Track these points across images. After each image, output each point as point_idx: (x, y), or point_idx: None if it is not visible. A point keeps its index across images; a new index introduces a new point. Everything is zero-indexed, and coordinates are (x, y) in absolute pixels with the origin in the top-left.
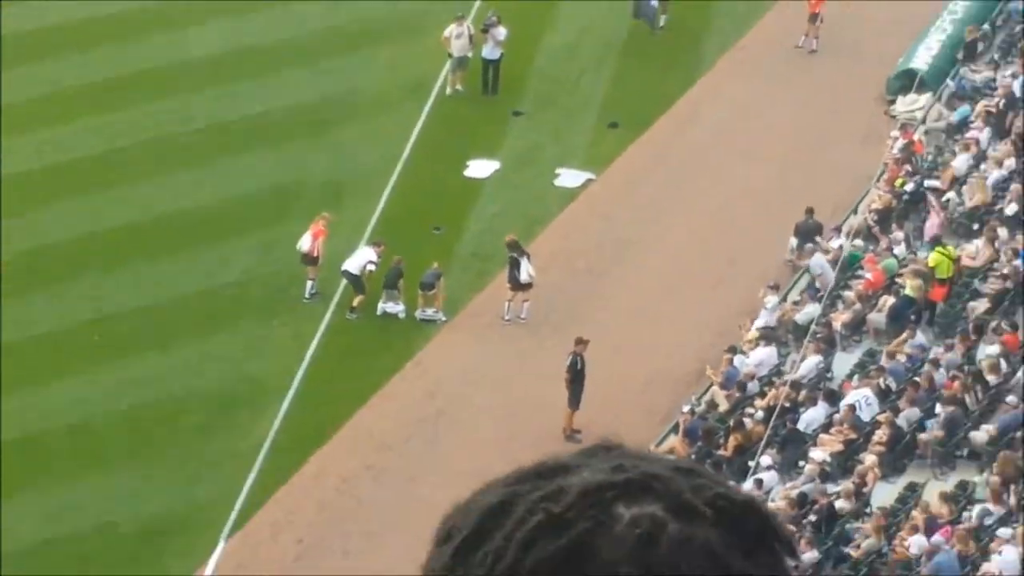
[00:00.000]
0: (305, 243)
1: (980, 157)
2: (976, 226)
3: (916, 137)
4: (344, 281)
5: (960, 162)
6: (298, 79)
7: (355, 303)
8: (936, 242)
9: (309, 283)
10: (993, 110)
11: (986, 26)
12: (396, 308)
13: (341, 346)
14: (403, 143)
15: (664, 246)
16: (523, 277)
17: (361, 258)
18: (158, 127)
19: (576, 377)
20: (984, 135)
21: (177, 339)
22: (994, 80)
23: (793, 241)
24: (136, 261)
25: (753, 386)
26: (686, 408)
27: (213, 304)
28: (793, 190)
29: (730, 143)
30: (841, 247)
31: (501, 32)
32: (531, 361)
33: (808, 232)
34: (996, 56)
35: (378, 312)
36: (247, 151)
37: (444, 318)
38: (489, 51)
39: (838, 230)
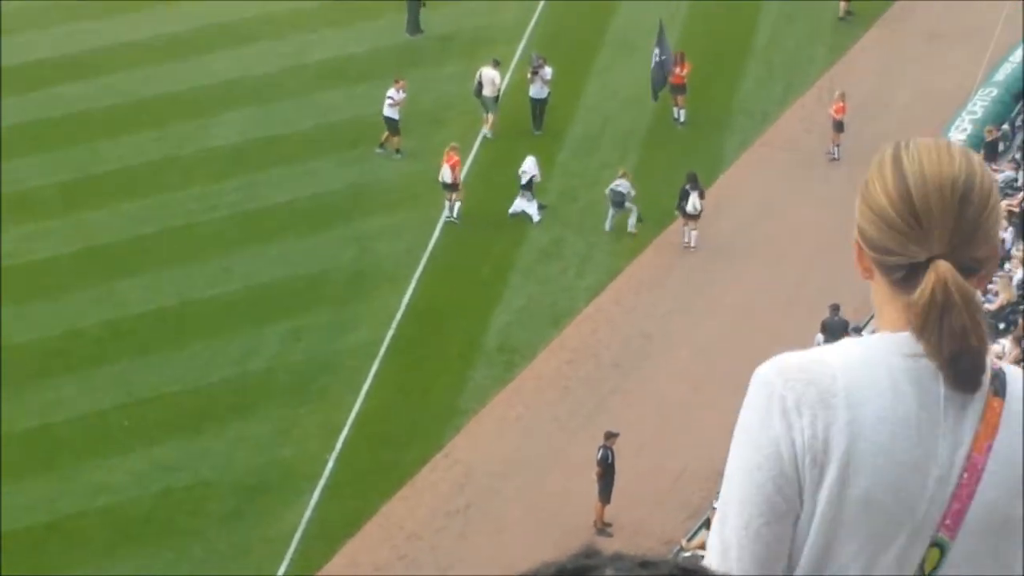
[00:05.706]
0: (447, 175)
1: (1004, 256)
2: (1002, 325)
3: None
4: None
5: None
6: (322, 169)
7: None
8: None
9: (447, 204)
10: (1016, 209)
11: (1006, 126)
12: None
13: (370, 435)
14: (428, 234)
15: (690, 342)
16: (688, 208)
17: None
18: (185, 215)
19: (607, 471)
20: (1008, 235)
21: (206, 425)
22: (1016, 180)
23: (820, 338)
24: (165, 347)
25: None
26: (716, 504)
27: (242, 391)
28: (817, 288)
29: (753, 239)
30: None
31: (548, 72)
32: (560, 454)
33: (835, 329)
34: (1018, 156)
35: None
36: (272, 240)
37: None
38: (537, 91)
39: (859, 331)
